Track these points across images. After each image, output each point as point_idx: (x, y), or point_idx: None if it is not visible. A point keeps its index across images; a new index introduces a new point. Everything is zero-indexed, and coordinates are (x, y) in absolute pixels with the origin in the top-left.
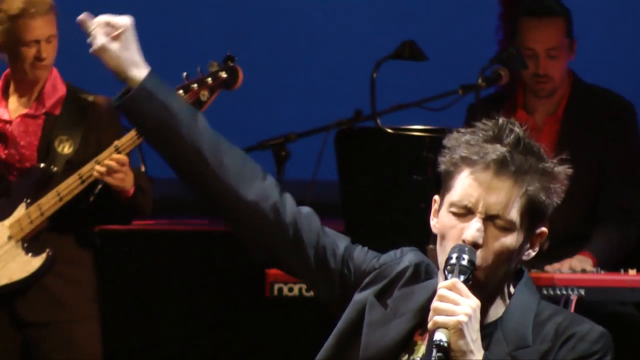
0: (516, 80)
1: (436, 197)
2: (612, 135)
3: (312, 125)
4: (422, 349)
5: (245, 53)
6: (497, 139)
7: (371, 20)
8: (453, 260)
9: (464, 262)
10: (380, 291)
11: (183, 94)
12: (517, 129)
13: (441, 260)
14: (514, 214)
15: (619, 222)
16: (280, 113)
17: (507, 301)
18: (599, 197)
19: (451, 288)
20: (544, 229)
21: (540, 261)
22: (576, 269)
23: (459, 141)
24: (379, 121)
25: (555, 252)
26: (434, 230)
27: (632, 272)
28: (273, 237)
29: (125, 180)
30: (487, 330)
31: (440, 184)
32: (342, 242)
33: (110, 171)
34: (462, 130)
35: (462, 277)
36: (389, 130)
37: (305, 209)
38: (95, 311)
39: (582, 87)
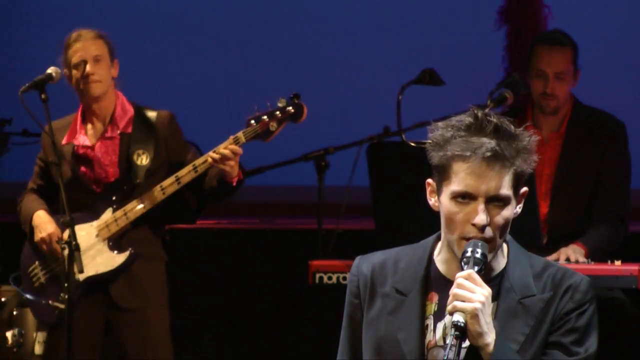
0: (526, 99)
1: (429, 180)
2: (606, 149)
3: (348, 140)
4: (432, 308)
5: (294, 82)
6: (479, 129)
7: (397, 53)
8: (468, 254)
9: (478, 255)
10: (373, 294)
11: (254, 124)
12: (493, 119)
13: (448, 238)
14: (507, 190)
15: (610, 222)
16: (321, 130)
17: (503, 254)
18: (593, 201)
19: (467, 277)
20: (525, 188)
21: (541, 254)
22: (571, 258)
23: (445, 137)
24: (403, 136)
25: (555, 246)
26: (434, 208)
27: (618, 262)
28: None
29: (234, 168)
30: (495, 281)
31: (433, 172)
32: None
33: (224, 159)
34: (442, 124)
35: (476, 268)
36: (412, 144)
37: None
38: (166, 298)
39: (582, 108)
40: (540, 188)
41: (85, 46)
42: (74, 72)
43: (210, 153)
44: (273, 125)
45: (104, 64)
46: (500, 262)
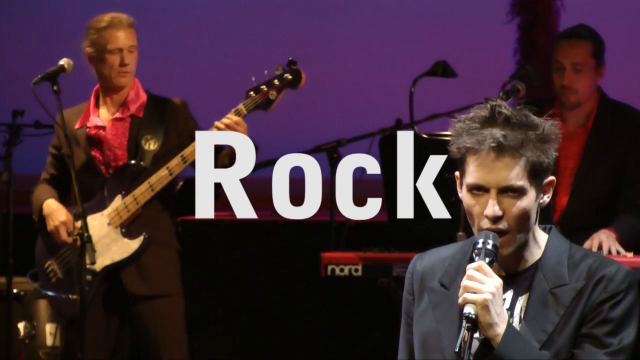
0: (555, 93)
1: (457, 173)
2: (630, 144)
3: (360, 132)
4: None
5: (306, 73)
6: (491, 121)
7: (410, 45)
8: (479, 245)
9: (489, 247)
10: (422, 289)
11: (254, 95)
12: (505, 110)
13: (473, 230)
14: (521, 180)
15: (636, 214)
16: (333, 122)
17: (538, 245)
18: (618, 195)
19: (478, 269)
20: (551, 177)
21: None
22: (604, 244)
23: (462, 129)
24: (416, 128)
25: (573, 238)
26: (462, 199)
27: (630, 254)
28: None
29: None
30: (529, 272)
31: (457, 165)
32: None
33: (229, 128)
34: (461, 117)
35: (487, 260)
36: (425, 136)
37: None
38: (180, 288)
39: (608, 102)
40: (563, 181)
41: (124, 35)
42: (108, 56)
43: (216, 122)
44: (272, 94)
45: (135, 54)
46: (534, 253)
